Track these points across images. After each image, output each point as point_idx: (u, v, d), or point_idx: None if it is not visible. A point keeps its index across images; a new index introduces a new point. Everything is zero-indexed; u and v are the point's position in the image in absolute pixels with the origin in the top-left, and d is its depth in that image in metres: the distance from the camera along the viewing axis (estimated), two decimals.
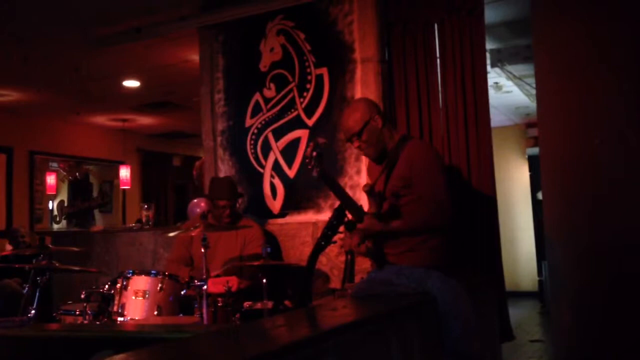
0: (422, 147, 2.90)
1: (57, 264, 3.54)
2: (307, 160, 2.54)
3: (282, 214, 4.26)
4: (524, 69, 5.92)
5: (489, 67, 5.33)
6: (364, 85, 3.93)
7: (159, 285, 3.31)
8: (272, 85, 4.35)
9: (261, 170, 4.36)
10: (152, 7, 4.69)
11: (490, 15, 4.24)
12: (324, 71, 4.15)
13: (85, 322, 3.20)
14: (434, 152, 2.90)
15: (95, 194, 9.65)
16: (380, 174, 2.84)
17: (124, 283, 3.31)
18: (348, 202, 2.68)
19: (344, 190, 2.76)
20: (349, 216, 2.68)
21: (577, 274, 3.31)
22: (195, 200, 5.04)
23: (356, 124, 2.77)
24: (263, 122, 4.38)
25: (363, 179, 3.87)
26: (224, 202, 3.81)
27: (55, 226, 8.86)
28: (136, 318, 3.23)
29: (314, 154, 2.52)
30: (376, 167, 2.94)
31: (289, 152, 4.25)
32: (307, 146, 2.64)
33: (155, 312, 3.26)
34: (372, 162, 3.00)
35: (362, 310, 1.97)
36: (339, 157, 4.03)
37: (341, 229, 2.70)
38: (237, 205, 4.03)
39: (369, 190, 2.75)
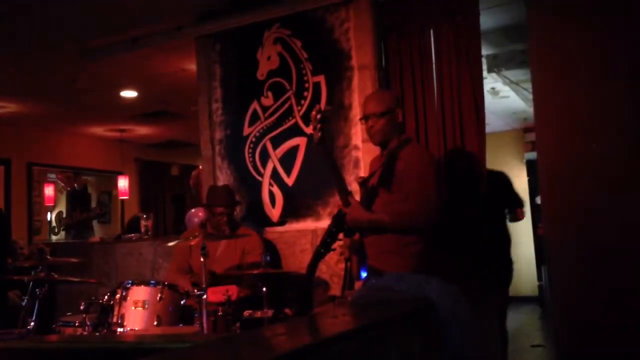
0: (419, 150, 2.98)
1: (55, 276, 3.54)
2: (311, 125, 2.67)
3: (281, 222, 4.25)
4: (521, 74, 5.93)
5: (485, 73, 5.34)
6: (361, 92, 3.92)
7: (159, 295, 3.30)
8: (269, 93, 4.36)
9: (260, 178, 4.36)
10: (149, 17, 4.69)
11: (486, 20, 4.25)
12: (321, 79, 4.15)
13: (85, 333, 3.19)
14: (430, 157, 2.95)
15: (93, 204, 9.63)
16: (377, 169, 2.89)
17: (124, 293, 3.30)
18: (339, 181, 2.76)
19: (337, 168, 2.84)
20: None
21: (577, 277, 3.31)
22: (193, 210, 5.03)
23: (382, 107, 2.87)
24: (261, 131, 4.38)
25: None
26: (221, 209, 3.80)
27: (54, 237, 8.84)
28: (136, 329, 3.22)
29: (318, 116, 2.62)
30: (377, 162, 2.99)
31: (288, 160, 4.25)
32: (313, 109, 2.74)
33: (155, 323, 3.24)
34: (375, 158, 3.07)
35: (363, 317, 1.96)
36: (337, 164, 4.02)
37: (340, 236, 2.71)
38: (235, 213, 4.03)
39: (362, 183, 2.85)
